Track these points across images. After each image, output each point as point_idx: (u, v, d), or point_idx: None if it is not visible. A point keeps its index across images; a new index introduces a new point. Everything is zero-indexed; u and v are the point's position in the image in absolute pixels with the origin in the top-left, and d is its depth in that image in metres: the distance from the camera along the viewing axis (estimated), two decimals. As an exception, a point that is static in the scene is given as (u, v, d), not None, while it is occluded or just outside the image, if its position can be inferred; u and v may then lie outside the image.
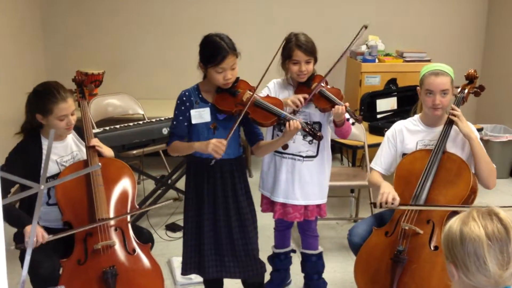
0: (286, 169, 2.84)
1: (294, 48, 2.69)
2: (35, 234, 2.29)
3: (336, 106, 2.61)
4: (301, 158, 2.82)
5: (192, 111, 2.49)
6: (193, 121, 2.50)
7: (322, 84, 2.72)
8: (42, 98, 2.52)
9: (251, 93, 2.48)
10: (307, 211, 2.89)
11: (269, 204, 2.96)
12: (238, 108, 2.46)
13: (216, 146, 2.36)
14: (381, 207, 2.55)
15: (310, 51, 2.71)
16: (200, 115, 2.49)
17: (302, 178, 2.83)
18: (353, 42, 2.75)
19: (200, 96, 2.52)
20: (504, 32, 5.39)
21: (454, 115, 2.63)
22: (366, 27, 2.70)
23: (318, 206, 2.91)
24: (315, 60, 2.76)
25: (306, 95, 2.69)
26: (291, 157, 2.82)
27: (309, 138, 2.61)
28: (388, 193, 2.54)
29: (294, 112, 2.65)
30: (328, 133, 2.86)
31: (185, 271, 2.64)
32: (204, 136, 2.50)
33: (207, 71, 2.45)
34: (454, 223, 1.42)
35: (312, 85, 2.74)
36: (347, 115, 2.66)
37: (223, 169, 2.52)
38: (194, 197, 2.56)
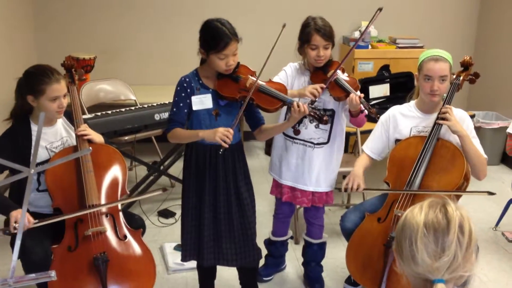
0: (296, 154, 2.84)
1: (313, 32, 2.64)
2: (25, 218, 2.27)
3: (351, 96, 2.58)
4: (312, 145, 2.81)
5: (193, 97, 2.45)
6: (194, 108, 2.45)
7: (339, 72, 2.68)
8: (35, 79, 2.49)
9: (254, 79, 2.46)
10: (315, 197, 2.89)
11: (276, 187, 2.97)
12: (242, 94, 2.43)
13: (223, 135, 2.32)
14: (345, 190, 2.64)
15: (329, 35, 2.66)
16: (202, 102, 2.45)
17: (312, 164, 2.82)
18: (370, 25, 2.70)
19: (201, 82, 2.48)
20: (496, 19, 5.38)
21: (443, 118, 2.60)
22: (380, 9, 2.59)
23: (326, 193, 2.91)
24: (333, 45, 2.72)
25: (323, 85, 2.64)
26: (303, 143, 2.81)
27: (316, 122, 2.59)
28: (353, 179, 2.62)
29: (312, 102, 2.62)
30: (343, 121, 2.84)
31: (184, 258, 2.63)
32: (206, 123, 2.47)
33: (208, 57, 2.40)
34: (407, 210, 1.42)
35: (328, 71, 2.70)
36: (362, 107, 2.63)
37: (225, 154, 2.50)
38: (195, 183, 2.53)
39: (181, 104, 2.47)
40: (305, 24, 2.71)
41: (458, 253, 1.30)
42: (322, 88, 2.63)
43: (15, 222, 2.27)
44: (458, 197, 2.67)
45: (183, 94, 2.46)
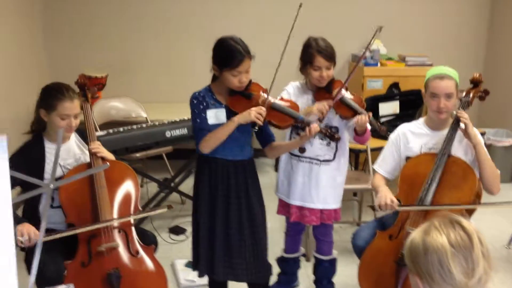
0: (303, 173, 2.84)
1: (316, 54, 2.66)
2: (28, 233, 2.29)
3: (359, 116, 2.59)
4: (319, 162, 2.81)
5: (208, 111, 2.47)
6: (210, 122, 2.47)
7: (343, 90, 2.70)
8: (50, 94, 2.55)
9: (266, 96, 2.49)
10: (323, 215, 2.89)
11: (283, 207, 2.96)
12: None
13: (257, 113, 2.38)
14: (380, 209, 2.56)
15: (331, 56, 2.68)
16: (217, 116, 2.47)
17: (319, 182, 2.82)
18: (370, 44, 2.72)
19: (215, 97, 2.51)
20: (506, 36, 5.39)
21: (463, 118, 2.61)
22: (380, 29, 2.63)
23: (335, 210, 2.91)
24: (334, 65, 2.74)
25: (331, 102, 2.64)
26: (309, 160, 2.81)
27: (327, 140, 2.61)
28: (385, 196, 2.56)
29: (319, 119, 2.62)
30: (346, 138, 2.85)
31: (201, 273, 2.64)
32: None
33: (222, 74, 2.44)
34: (416, 234, 1.39)
35: (332, 90, 2.71)
36: (368, 125, 2.65)
37: (238, 170, 2.52)
38: (207, 199, 2.55)
39: (203, 115, 2.48)
40: (307, 45, 2.73)
41: (485, 265, 1.31)
42: (329, 105, 2.63)
43: (20, 236, 2.29)
44: (470, 213, 2.66)
45: (201, 106, 2.48)
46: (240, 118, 2.41)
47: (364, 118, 2.58)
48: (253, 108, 2.39)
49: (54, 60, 5.18)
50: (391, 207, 2.54)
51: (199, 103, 2.48)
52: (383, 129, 2.64)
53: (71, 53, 5.20)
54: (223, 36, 2.46)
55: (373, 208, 2.59)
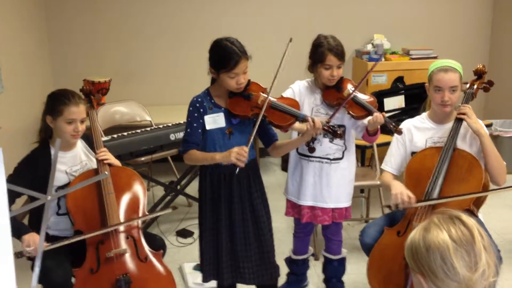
0: (313, 172, 2.81)
1: (327, 52, 2.63)
2: (34, 242, 2.30)
3: (375, 115, 2.58)
4: (329, 161, 2.79)
5: (206, 117, 2.46)
6: (208, 127, 2.46)
7: (355, 91, 2.67)
8: (55, 100, 2.56)
9: (266, 96, 2.46)
10: (335, 213, 2.87)
11: (292, 208, 2.94)
12: (254, 112, 2.43)
13: (238, 154, 2.32)
14: (397, 208, 2.51)
15: (342, 55, 2.66)
16: (215, 121, 2.46)
17: (330, 181, 2.80)
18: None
19: (213, 101, 2.49)
20: (510, 27, 5.35)
21: (463, 113, 2.60)
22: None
23: (346, 208, 2.89)
24: (344, 63, 2.71)
25: (325, 122, 2.54)
26: (318, 160, 2.79)
27: (330, 137, 2.59)
28: (401, 192, 2.51)
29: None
30: (352, 137, 2.83)
31: (205, 279, 2.63)
32: (219, 142, 2.48)
33: (219, 76, 2.42)
34: (415, 232, 1.39)
35: (342, 88, 2.69)
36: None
37: (239, 173, 2.49)
38: (210, 203, 2.54)
39: (195, 124, 2.48)
40: (318, 43, 2.69)
41: (487, 258, 1.30)
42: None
43: (27, 246, 2.29)
44: (478, 206, 2.64)
45: (195, 114, 2.47)
46: (221, 158, 2.39)
47: (380, 117, 2.57)
48: (235, 149, 2.34)
49: (58, 68, 5.18)
50: (409, 204, 2.48)
51: (195, 110, 2.47)
52: (399, 130, 2.62)
53: (76, 60, 5.20)
54: (219, 37, 2.43)
55: (389, 207, 2.54)
